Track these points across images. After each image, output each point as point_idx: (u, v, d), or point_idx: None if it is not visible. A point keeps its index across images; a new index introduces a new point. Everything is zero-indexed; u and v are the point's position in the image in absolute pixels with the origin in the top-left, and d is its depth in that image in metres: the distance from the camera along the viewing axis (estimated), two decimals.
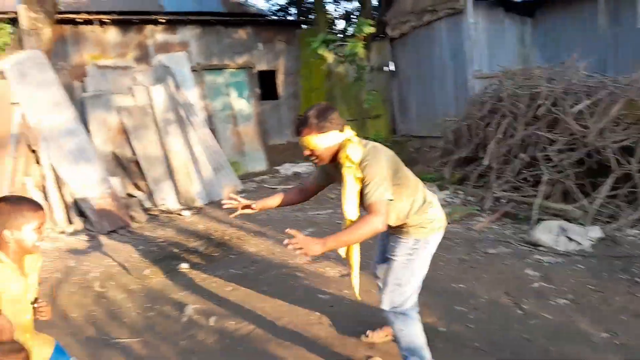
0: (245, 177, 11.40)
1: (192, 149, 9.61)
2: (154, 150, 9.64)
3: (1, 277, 1.93)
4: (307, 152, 2.69)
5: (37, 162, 7.15)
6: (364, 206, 2.58)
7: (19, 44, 7.78)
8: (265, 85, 12.69)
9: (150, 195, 9.25)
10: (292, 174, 11.68)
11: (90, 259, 5.90)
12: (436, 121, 9.92)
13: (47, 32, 7.92)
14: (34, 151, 7.15)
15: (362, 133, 10.33)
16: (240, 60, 12.25)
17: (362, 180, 2.54)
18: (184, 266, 5.57)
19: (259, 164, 12.07)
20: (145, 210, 8.55)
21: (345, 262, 3.06)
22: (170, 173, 9.49)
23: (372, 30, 9.81)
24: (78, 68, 10.79)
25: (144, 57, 11.39)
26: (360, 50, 9.64)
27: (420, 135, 11.72)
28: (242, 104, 12.08)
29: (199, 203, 9.00)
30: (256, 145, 12.15)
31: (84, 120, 10.07)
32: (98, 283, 5.16)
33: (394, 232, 2.89)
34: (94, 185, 7.09)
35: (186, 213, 8.33)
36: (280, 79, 12.90)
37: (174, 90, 10.53)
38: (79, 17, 10.60)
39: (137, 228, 7.41)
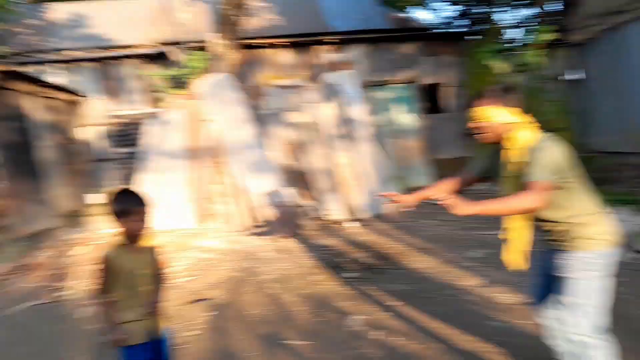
0: (409, 192, 11.32)
1: (358, 163, 9.87)
2: (323, 164, 10.13)
3: (115, 254, 2.56)
4: (474, 125, 2.68)
5: (225, 173, 8.03)
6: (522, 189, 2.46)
7: (211, 68, 8.86)
8: (431, 99, 12.52)
9: (320, 205, 9.74)
10: None
11: (267, 262, 6.41)
12: (632, 135, 8.68)
13: (233, 56, 8.91)
14: (222, 162, 8.05)
15: None
16: (405, 74, 12.30)
17: (525, 165, 2.48)
18: (349, 276, 5.72)
19: (424, 179, 11.91)
20: (316, 219, 9.02)
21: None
22: (337, 185, 9.87)
23: (552, 37, 9.03)
24: (257, 88, 11.95)
25: (314, 76, 12.13)
26: (539, 58, 8.93)
27: (611, 151, 10.36)
28: (407, 118, 12.08)
29: (363, 215, 9.20)
30: (421, 159, 12.02)
31: (264, 136, 11.12)
32: (272, 285, 5.56)
33: (561, 246, 2.63)
34: (271, 195, 7.70)
35: (351, 224, 8.56)
36: (446, 92, 12.61)
37: (342, 106, 10.96)
38: (259, 42, 11.75)
39: (308, 236, 7.84)
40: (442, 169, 12.19)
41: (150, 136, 8.47)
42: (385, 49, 12.30)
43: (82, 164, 9.83)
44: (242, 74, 11.85)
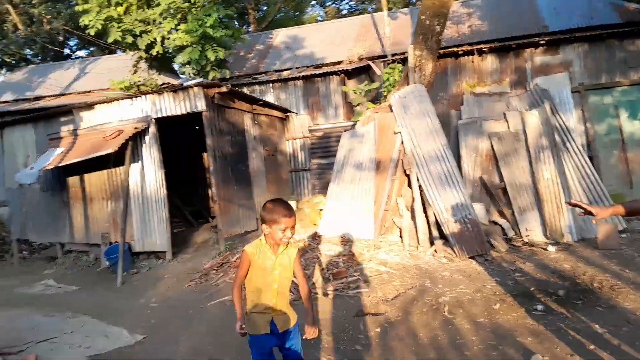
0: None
1: (565, 178, 8.65)
2: (522, 178, 9.17)
3: (257, 251, 2.76)
4: None
5: (409, 185, 7.87)
6: None
7: (405, 80, 8.80)
8: None
9: (514, 224, 8.83)
10: None
11: (444, 282, 6.02)
12: None
13: (429, 67, 8.69)
14: (407, 175, 7.91)
15: None
16: (637, 75, 10.32)
17: None
18: (540, 308, 4.98)
19: None
20: (507, 239, 8.20)
21: None
22: (538, 202, 8.81)
23: None
24: (456, 97, 11.47)
25: (520, 81, 11.11)
26: None
27: None
28: (635, 125, 10.12)
29: (567, 238, 8.01)
30: None
31: (457, 147, 10.63)
32: (447, 308, 5.18)
33: None
34: (456, 210, 7.25)
35: (551, 248, 7.52)
36: None
37: (550, 114, 9.77)
38: (460, 50, 11.27)
39: (495, 257, 7.15)
40: None
41: (344, 148, 8.82)
42: (612, 47, 10.54)
43: (284, 174, 10.82)
44: (440, 84, 11.57)
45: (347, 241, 7.47)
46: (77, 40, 27.46)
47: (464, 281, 6.03)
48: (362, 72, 12.68)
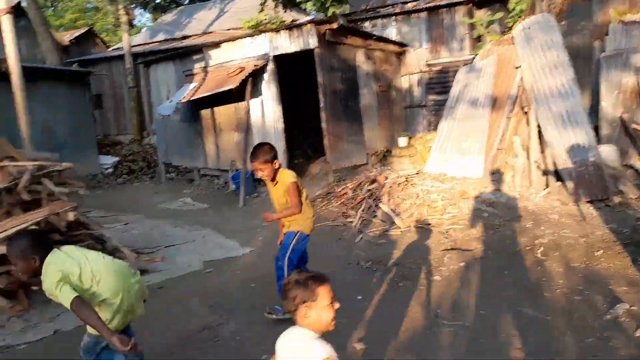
0: None
1: None
2: None
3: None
4: None
5: (527, 123, 7.37)
6: None
7: (533, 9, 8.00)
8: None
9: None
10: None
11: (549, 224, 5.73)
12: None
13: None
14: (526, 112, 7.40)
15: None
16: None
17: None
18: None
19: None
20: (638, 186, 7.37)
21: None
22: None
23: None
24: (601, 27, 10.07)
25: None
26: None
27: None
28: None
29: None
30: None
31: (597, 83, 9.53)
32: (542, 249, 5.01)
33: None
34: (577, 151, 6.66)
35: None
36: None
37: None
38: None
39: (621, 203, 6.52)
40: None
41: (459, 84, 8.47)
42: None
43: (398, 110, 10.74)
44: (583, 12, 10.26)
45: (452, 179, 7.38)
46: None
47: (572, 225, 5.68)
48: (491, 2, 11.68)
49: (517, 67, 7.66)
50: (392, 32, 12.25)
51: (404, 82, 11.05)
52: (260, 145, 3.77)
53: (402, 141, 9.39)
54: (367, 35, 9.54)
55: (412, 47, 11.32)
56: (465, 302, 4.02)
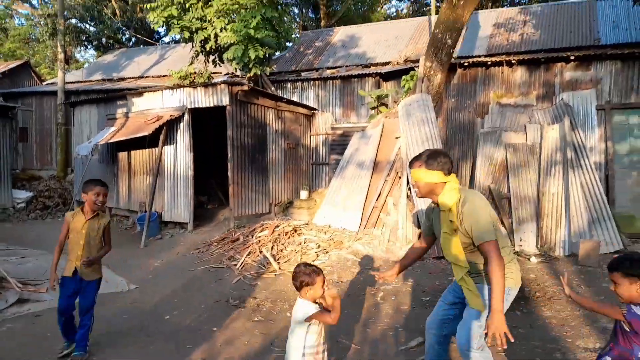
0: (638, 236, 9.39)
1: (570, 194, 8.84)
2: (528, 190, 9.45)
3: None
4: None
5: (400, 186, 8.51)
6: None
7: (415, 89, 9.37)
8: None
9: (510, 233, 9.17)
10: None
11: (400, 276, 6.69)
12: None
13: (438, 78, 9.20)
14: (400, 177, 8.55)
15: None
16: None
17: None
18: None
19: None
20: None
21: None
22: (538, 215, 9.07)
23: None
24: (483, 106, 11.74)
25: (548, 95, 11.17)
26: None
27: None
28: None
29: (558, 252, 8.28)
30: None
31: (474, 155, 11.00)
32: (382, 295, 5.92)
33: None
34: None
35: (534, 259, 7.88)
36: None
37: (569, 130, 9.89)
38: (490, 60, 11.52)
39: None
40: None
41: (352, 147, 9.60)
42: None
43: (304, 166, 11.78)
44: (469, 92, 11.90)
45: (334, 230, 8.32)
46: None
47: (418, 275, 6.68)
48: (405, 73, 13.20)
49: (397, 137, 8.89)
50: (310, 95, 13.51)
51: (312, 141, 12.15)
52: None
53: (303, 194, 10.34)
54: (277, 98, 10.60)
55: (320, 111, 12.52)
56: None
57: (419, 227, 8.02)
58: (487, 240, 2.74)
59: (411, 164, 3.04)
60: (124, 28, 27.18)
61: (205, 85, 9.40)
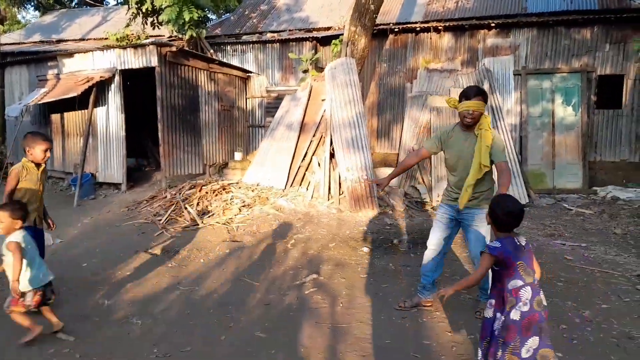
0: (547, 192, 10.30)
1: None
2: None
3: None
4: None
5: (323, 146, 8.98)
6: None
7: (340, 53, 9.74)
8: (604, 93, 10.78)
9: (429, 190, 9.87)
10: (611, 198, 9.70)
11: (315, 225, 7.23)
12: None
13: (362, 42, 9.59)
14: (324, 137, 9.00)
15: None
16: (577, 63, 10.85)
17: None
18: (365, 250, 6.19)
19: (573, 181, 10.53)
20: (419, 202, 9.28)
21: None
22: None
23: None
24: (412, 71, 12.27)
25: (472, 60, 11.79)
26: None
27: None
28: (567, 111, 10.75)
29: None
30: (573, 159, 10.60)
31: (402, 118, 11.59)
32: (292, 242, 6.45)
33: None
34: (355, 170, 8.32)
35: None
36: (628, 86, 10.65)
37: (488, 93, 10.53)
38: (421, 26, 12.00)
39: (388, 213, 8.25)
40: (601, 173, 10.56)
41: (282, 109, 9.95)
42: (559, 34, 11.03)
43: (240, 128, 12.08)
44: (400, 58, 12.39)
45: (262, 189, 8.75)
46: None
47: (332, 226, 7.23)
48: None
49: (323, 100, 9.30)
50: (250, 58, 13.66)
51: (248, 104, 12.42)
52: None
53: (238, 155, 10.68)
54: (209, 60, 10.76)
55: (255, 74, 12.75)
56: (210, 275, 5.27)
57: (339, 185, 8.55)
58: (504, 160, 3.81)
59: (474, 96, 3.84)
60: None
61: (135, 46, 9.48)
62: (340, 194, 8.53)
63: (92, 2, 25.04)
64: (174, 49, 9.29)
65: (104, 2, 27.96)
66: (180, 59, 9.78)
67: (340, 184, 8.55)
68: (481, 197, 3.91)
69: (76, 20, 21.43)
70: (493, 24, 11.32)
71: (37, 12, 30.39)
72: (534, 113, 10.98)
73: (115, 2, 28.80)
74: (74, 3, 27.51)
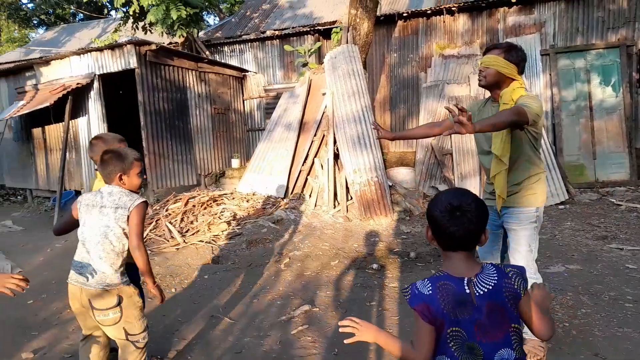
0: (587, 186, 8.95)
1: None
2: (470, 145, 8.91)
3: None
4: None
5: (326, 146, 7.85)
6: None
7: (340, 41, 8.62)
8: None
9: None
10: None
11: (317, 239, 6.10)
12: None
13: (365, 26, 8.45)
14: (326, 136, 7.88)
15: None
16: (614, 37, 9.49)
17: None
18: (375, 267, 5.03)
19: (618, 172, 9.14)
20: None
21: None
22: (481, 170, 8.55)
23: None
24: (426, 59, 11.06)
25: (491, 43, 10.50)
26: None
27: None
28: (606, 92, 9.37)
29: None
30: (617, 146, 9.21)
31: (418, 111, 10.42)
32: (287, 261, 5.32)
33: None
34: (364, 172, 7.18)
35: None
36: None
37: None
38: (433, 9, 10.79)
39: (404, 220, 7.09)
40: None
41: (280, 108, 8.87)
42: (590, 6, 9.70)
43: (238, 132, 11.01)
44: (411, 45, 11.20)
45: (258, 198, 7.66)
46: None
47: (337, 239, 6.10)
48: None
49: (323, 94, 8.18)
50: (249, 57, 12.63)
51: (246, 105, 11.37)
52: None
53: (235, 162, 9.62)
54: (197, 58, 9.75)
55: (252, 73, 11.69)
56: (176, 310, 4.18)
57: (346, 189, 7.41)
58: (520, 103, 2.66)
59: (489, 50, 2.88)
60: (64, 2, 25.57)
61: (112, 47, 8.53)
62: (347, 200, 7.37)
63: (96, 15, 24.56)
64: (153, 47, 8.29)
65: (108, 15, 27.45)
66: (162, 58, 8.78)
67: (347, 188, 7.40)
68: (522, 190, 2.84)
69: (75, 34, 20.86)
70: (514, 0, 10.04)
71: (42, 31, 30.20)
72: (568, 97, 9.64)
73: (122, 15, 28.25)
74: (77, 19, 27.08)
